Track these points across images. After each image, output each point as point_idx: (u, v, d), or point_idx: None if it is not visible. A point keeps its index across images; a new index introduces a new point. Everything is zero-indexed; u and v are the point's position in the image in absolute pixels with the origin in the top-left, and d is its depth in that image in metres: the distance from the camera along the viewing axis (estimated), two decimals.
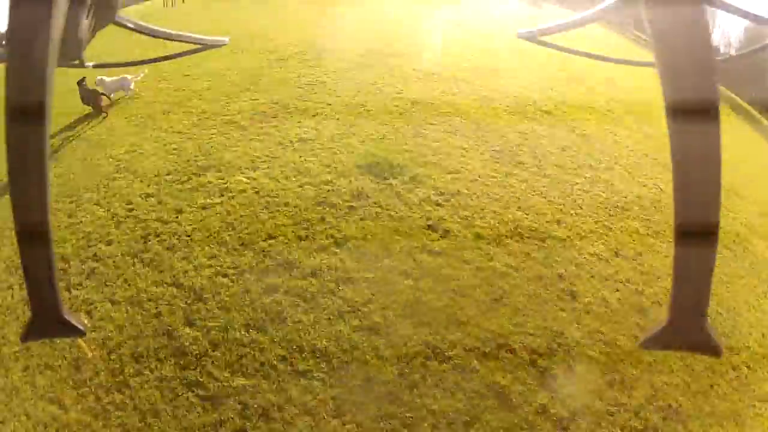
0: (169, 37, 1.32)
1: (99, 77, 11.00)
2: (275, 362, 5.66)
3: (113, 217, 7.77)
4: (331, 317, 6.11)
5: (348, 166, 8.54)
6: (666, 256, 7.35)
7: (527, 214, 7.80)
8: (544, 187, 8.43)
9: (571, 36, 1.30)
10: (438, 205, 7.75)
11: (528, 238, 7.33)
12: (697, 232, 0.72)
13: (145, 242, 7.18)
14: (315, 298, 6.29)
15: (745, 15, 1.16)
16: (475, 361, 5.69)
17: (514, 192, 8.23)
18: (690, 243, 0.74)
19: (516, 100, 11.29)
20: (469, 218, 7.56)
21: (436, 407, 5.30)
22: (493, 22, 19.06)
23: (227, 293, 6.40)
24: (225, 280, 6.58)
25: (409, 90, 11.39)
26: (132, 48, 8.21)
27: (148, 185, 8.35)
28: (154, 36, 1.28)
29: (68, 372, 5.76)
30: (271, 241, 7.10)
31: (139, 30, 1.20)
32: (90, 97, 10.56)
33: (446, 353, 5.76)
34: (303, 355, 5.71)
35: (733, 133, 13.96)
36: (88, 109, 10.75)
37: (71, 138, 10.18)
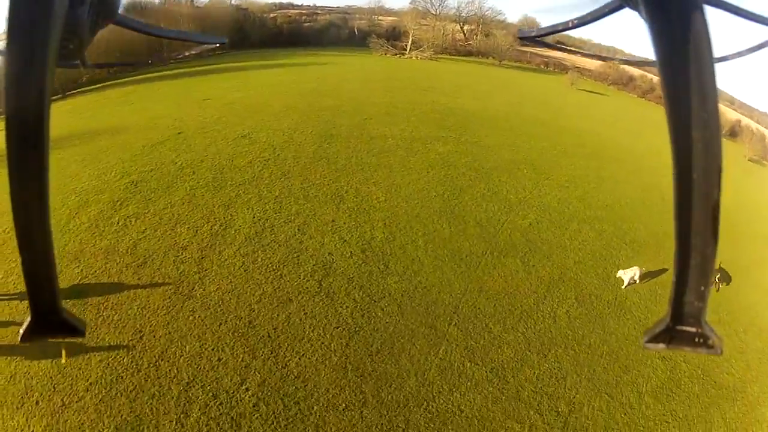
0: (170, 37, 1.30)
1: None
2: None
3: None
4: None
5: None
6: None
7: None
8: None
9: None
10: None
11: None
12: (698, 231, 0.73)
13: None
14: None
15: (745, 15, 1.14)
16: None
17: None
18: (690, 243, 0.74)
19: None
20: None
21: None
22: None
23: None
24: None
25: None
26: None
27: None
28: (154, 35, 1.26)
29: None
30: None
31: (140, 29, 1.19)
32: None
33: None
34: None
35: None
36: None
37: None
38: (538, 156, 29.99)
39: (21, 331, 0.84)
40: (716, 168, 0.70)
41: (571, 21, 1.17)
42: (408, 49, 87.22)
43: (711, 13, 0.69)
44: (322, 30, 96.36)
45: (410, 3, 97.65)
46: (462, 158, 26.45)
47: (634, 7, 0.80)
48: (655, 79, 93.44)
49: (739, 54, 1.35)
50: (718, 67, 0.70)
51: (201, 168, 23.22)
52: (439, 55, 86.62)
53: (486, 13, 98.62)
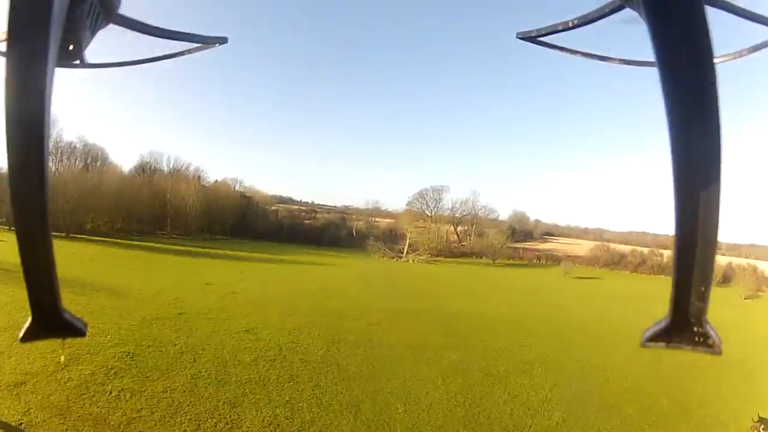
0: (170, 37, 1.31)
1: None
2: None
3: None
4: None
5: None
6: None
7: None
8: None
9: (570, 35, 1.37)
10: None
11: None
12: (696, 234, 0.73)
13: None
14: None
15: (745, 15, 1.13)
16: None
17: None
18: (690, 244, 0.74)
19: None
20: None
21: None
22: None
23: None
24: None
25: None
26: None
27: None
28: (154, 35, 1.25)
29: None
30: None
31: (140, 29, 1.18)
32: None
33: None
34: None
35: None
36: None
37: None
38: (548, 353, 29.99)
39: (22, 331, 0.84)
40: (717, 165, 0.70)
41: (572, 21, 1.18)
42: (405, 252, 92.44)
43: (711, 13, 0.69)
44: (323, 229, 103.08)
45: (406, 205, 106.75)
46: (475, 364, 26.23)
47: (634, 7, 0.82)
48: (646, 251, 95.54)
49: (739, 54, 1.35)
50: None
51: (203, 357, 22.64)
52: (436, 258, 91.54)
53: (479, 212, 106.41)
